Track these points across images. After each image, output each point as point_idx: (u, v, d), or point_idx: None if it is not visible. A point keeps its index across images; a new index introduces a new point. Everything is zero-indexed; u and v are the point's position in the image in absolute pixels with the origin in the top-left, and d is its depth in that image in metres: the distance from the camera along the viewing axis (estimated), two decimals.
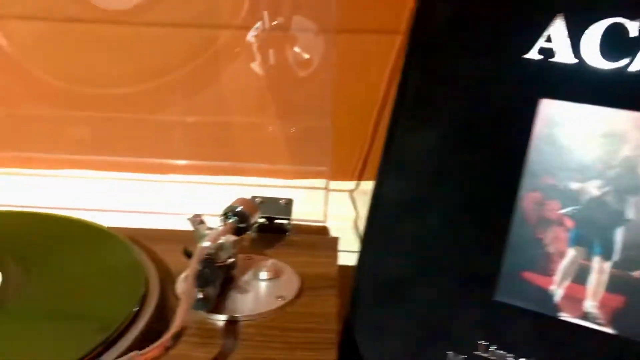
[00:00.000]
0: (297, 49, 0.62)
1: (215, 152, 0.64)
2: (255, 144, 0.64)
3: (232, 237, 0.43)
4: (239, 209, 0.47)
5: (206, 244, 0.42)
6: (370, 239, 0.43)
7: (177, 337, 0.32)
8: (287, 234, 0.54)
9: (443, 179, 0.41)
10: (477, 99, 0.40)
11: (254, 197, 0.55)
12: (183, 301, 0.35)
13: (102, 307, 0.38)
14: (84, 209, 0.55)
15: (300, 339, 0.39)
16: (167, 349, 0.31)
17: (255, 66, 0.62)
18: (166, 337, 0.32)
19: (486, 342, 0.39)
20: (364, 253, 0.43)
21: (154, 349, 0.31)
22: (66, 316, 0.37)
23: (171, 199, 0.63)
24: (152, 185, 0.65)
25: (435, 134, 0.41)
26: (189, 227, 0.54)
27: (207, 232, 0.44)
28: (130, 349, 0.35)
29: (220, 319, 0.40)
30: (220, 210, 0.58)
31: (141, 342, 0.36)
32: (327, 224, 0.58)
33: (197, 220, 0.45)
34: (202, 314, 0.41)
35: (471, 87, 0.41)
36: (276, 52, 0.61)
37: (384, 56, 0.60)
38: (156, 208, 0.61)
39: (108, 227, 0.48)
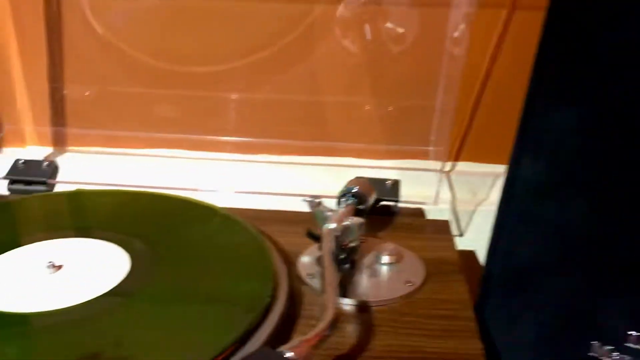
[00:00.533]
0: (390, 24, 0.59)
1: (308, 131, 0.63)
2: (349, 123, 0.62)
3: (359, 220, 0.41)
4: (355, 189, 0.46)
5: (332, 225, 0.40)
6: (504, 223, 0.41)
7: (334, 324, 0.31)
8: (394, 216, 0.52)
9: (587, 160, 0.38)
10: (625, 75, 0.38)
11: (357, 178, 0.53)
12: (330, 286, 0.34)
13: (238, 289, 0.37)
14: (177, 189, 0.54)
15: (440, 326, 0.37)
16: (325, 337, 0.30)
17: (349, 42, 0.60)
18: (324, 325, 0.30)
19: (638, 332, 0.36)
20: (497, 238, 0.41)
21: (315, 335, 0.30)
22: (206, 298, 0.36)
23: (264, 179, 0.62)
24: (241, 165, 0.63)
25: (579, 113, 0.38)
26: (287, 207, 0.53)
27: (329, 214, 0.42)
28: (275, 332, 0.34)
29: (350, 303, 0.39)
30: (316, 191, 0.57)
31: (281, 325, 0.35)
32: (433, 207, 0.56)
33: (314, 201, 0.43)
34: None
35: (618, 62, 0.38)
36: (370, 27, 0.59)
37: (487, 31, 0.58)
38: (248, 188, 0.60)
39: (222, 208, 0.47)
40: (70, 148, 0.65)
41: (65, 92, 0.63)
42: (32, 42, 0.62)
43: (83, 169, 0.61)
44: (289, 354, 0.28)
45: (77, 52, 0.62)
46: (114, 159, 0.64)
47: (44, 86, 0.63)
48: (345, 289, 0.40)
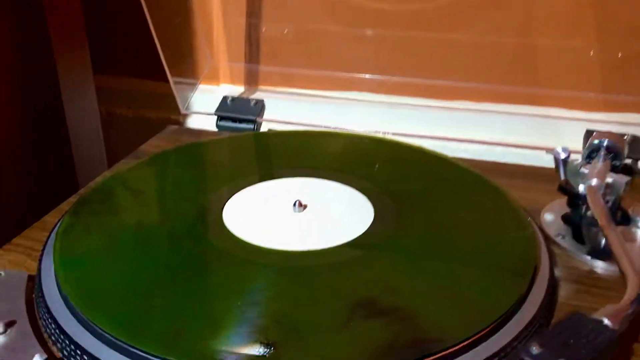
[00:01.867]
0: None
1: (515, 77, 0.58)
2: (565, 70, 0.56)
3: (624, 177, 0.37)
4: (607, 143, 0.41)
5: (595, 182, 0.36)
6: None
7: None
8: (633, 175, 0.47)
9: None
10: None
11: (588, 131, 0.49)
12: (623, 252, 0.30)
13: (500, 249, 0.34)
14: (369, 132, 0.52)
15: None
16: (636, 310, 0.27)
17: None
18: (633, 294, 0.27)
19: None
20: None
21: (626, 305, 0.27)
22: (468, 258, 0.33)
23: (462, 128, 0.58)
24: (435, 111, 0.60)
25: None
26: (489, 158, 0.50)
27: (583, 169, 0.38)
28: (546, 297, 0.31)
29: (608, 269, 0.35)
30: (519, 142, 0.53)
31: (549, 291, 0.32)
32: None
33: (564, 154, 0.39)
34: (588, 260, 0.36)
35: None
36: None
37: None
38: (448, 135, 0.56)
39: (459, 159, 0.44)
40: (262, 87, 0.65)
41: (263, 29, 0.62)
42: None
43: (279, 109, 0.61)
44: (606, 322, 0.25)
45: None
46: (307, 99, 0.63)
47: (241, 23, 0.63)
48: (601, 252, 0.36)
